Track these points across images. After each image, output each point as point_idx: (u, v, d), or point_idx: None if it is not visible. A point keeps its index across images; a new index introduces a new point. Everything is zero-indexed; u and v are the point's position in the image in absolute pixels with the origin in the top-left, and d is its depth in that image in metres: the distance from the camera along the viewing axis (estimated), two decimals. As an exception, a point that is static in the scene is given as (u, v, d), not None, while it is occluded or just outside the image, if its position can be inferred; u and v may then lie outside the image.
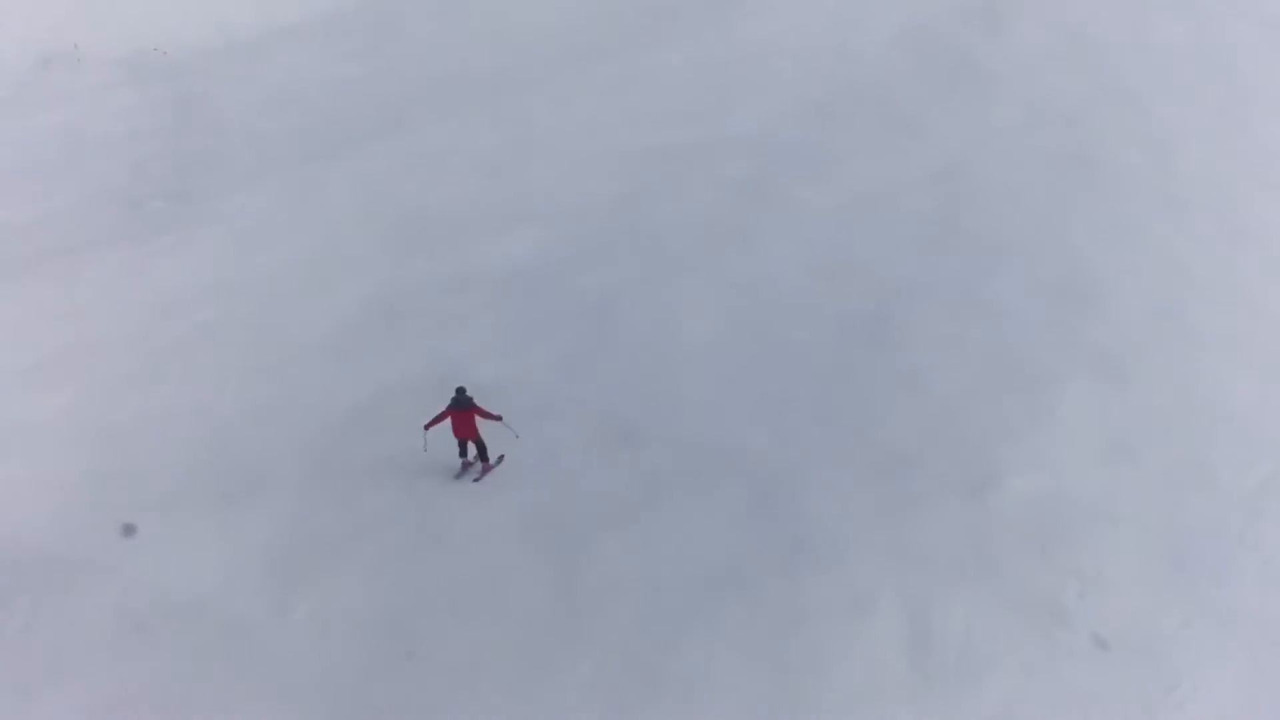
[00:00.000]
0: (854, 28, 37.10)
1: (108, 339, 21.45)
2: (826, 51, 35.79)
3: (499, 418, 17.66)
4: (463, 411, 17.39)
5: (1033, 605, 16.08)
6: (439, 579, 16.43)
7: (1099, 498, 18.01)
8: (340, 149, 29.29)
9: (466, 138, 30.06)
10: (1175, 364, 20.93)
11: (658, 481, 18.31)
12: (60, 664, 15.12)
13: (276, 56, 35.36)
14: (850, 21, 37.61)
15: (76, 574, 16.32)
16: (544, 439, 19.02)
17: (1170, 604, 16.14)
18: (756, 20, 38.36)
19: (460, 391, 17.51)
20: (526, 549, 17.11)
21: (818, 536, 17.25)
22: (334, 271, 23.98)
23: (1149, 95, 31.50)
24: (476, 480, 18.07)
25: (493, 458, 18.20)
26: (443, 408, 17.61)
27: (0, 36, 35.64)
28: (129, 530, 16.96)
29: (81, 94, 32.69)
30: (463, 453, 18.05)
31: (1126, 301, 22.91)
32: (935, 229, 25.89)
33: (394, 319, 22.50)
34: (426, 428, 17.49)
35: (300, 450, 18.60)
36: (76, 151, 30.02)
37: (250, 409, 19.47)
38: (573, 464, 18.64)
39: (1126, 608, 16.08)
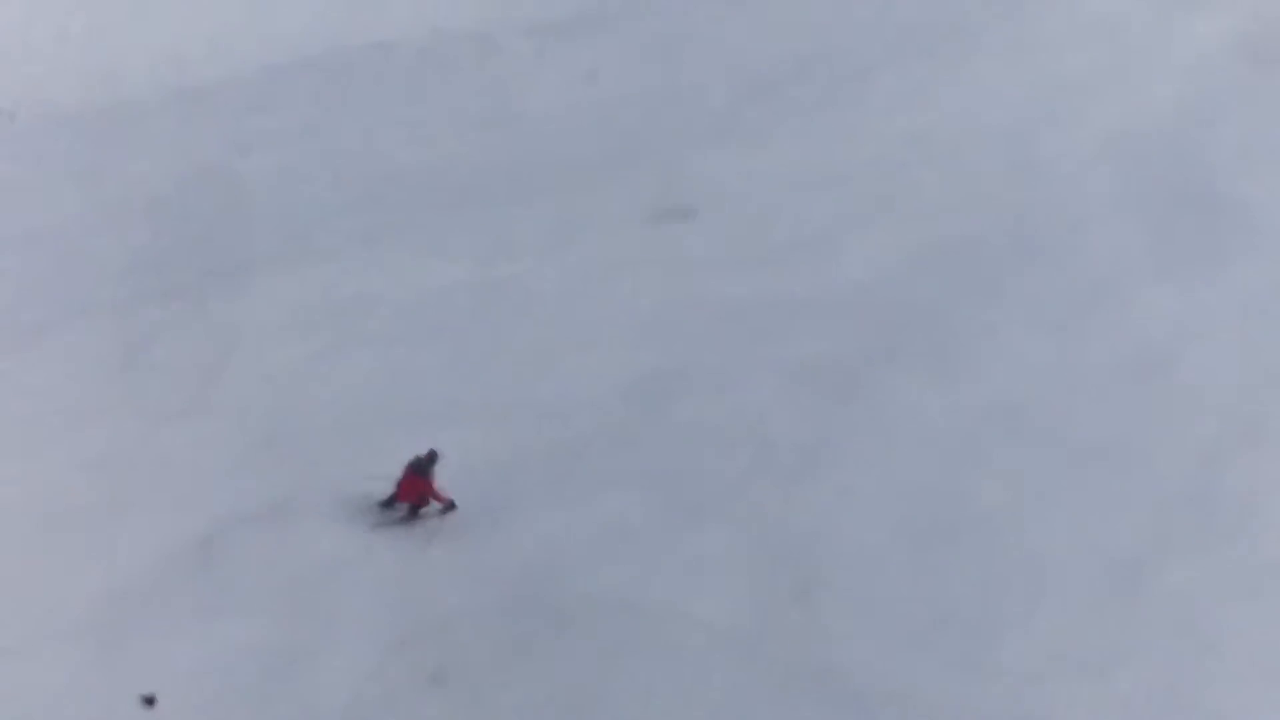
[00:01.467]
0: (1044, 127, 34.71)
1: None
2: (997, 162, 33.39)
3: (450, 505, 22.07)
4: (416, 478, 21.73)
5: None
6: None
7: None
8: (178, 287, 27.62)
9: (397, 276, 28.18)
10: None
11: None
12: None
13: (152, 134, 34.37)
14: (1041, 117, 35.15)
15: None
16: None
17: None
18: (903, 104, 36.31)
19: (428, 457, 21.92)
20: None
21: None
22: (121, 497, 21.86)
23: None
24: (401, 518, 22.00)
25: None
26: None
27: None
28: None
29: None
30: (389, 504, 22.19)
31: None
32: (1125, 479, 22.76)
33: (202, 573, 20.29)
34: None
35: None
36: None
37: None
38: None
39: None
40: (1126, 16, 38.75)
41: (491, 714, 19.03)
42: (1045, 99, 35.82)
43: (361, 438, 24.23)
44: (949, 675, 19.22)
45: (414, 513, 22.14)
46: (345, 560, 21.76)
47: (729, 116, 36.25)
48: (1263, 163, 32.06)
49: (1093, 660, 19.38)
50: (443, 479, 22.37)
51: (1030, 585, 20.71)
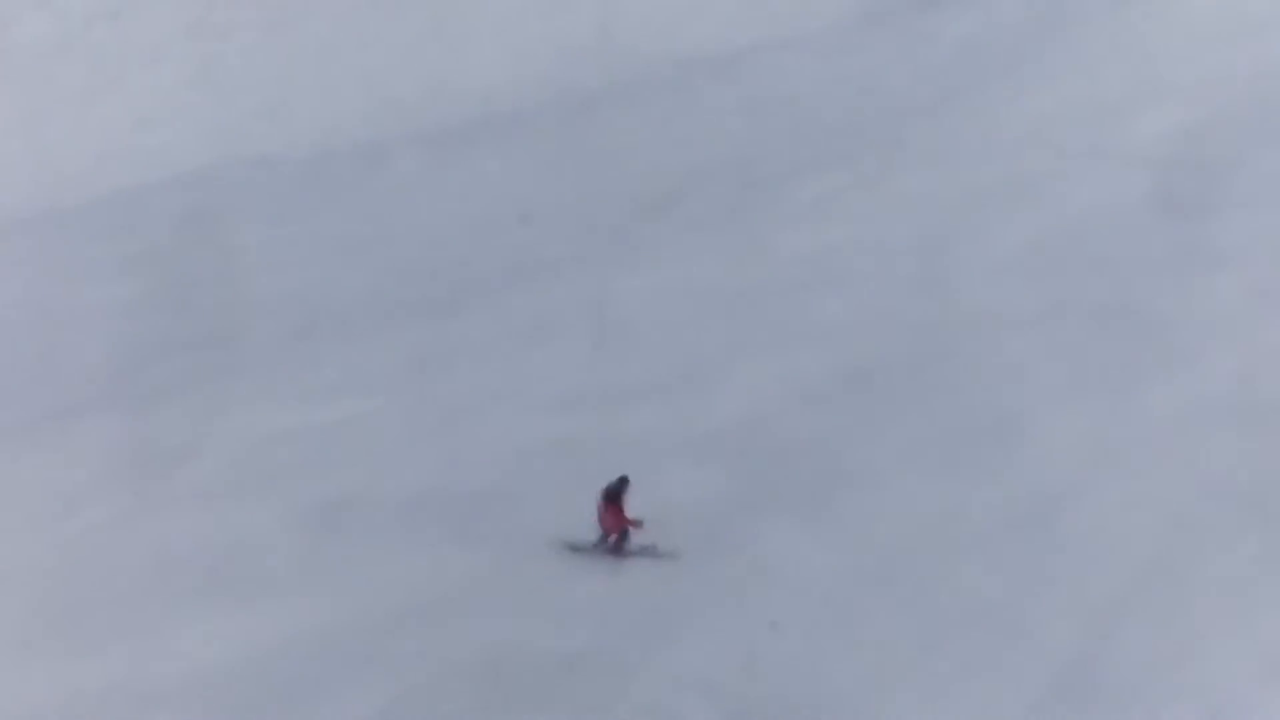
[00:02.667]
0: (958, 240, 33.21)
1: None
2: (905, 280, 31.85)
3: (639, 525, 22.21)
4: (612, 506, 22.17)
5: None
6: None
7: None
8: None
9: (226, 421, 26.65)
10: None
11: None
12: None
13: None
14: (955, 230, 33.68)
15: None
16: None
17: None
18: (810, 218, 34.82)
19: (620, 483, 22.27)
20: None
21: None
22: None
23: None
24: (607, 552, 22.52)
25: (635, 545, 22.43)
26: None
27: None
28: None
29: None
30: (600, 543, 22.56)
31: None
32: (1006, 647, 20.71)
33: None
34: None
35: None
36: None
37: None
38: None
39: None
40: (1055, 121, 37.43)
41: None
42: (962, 210, 34.29)
43: (171, 608, 22.36)
44: None
45: (621, 543, 22.63)
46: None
47: (622, 233, 34.66)
48: (1187, 274, 30.36)
49: None
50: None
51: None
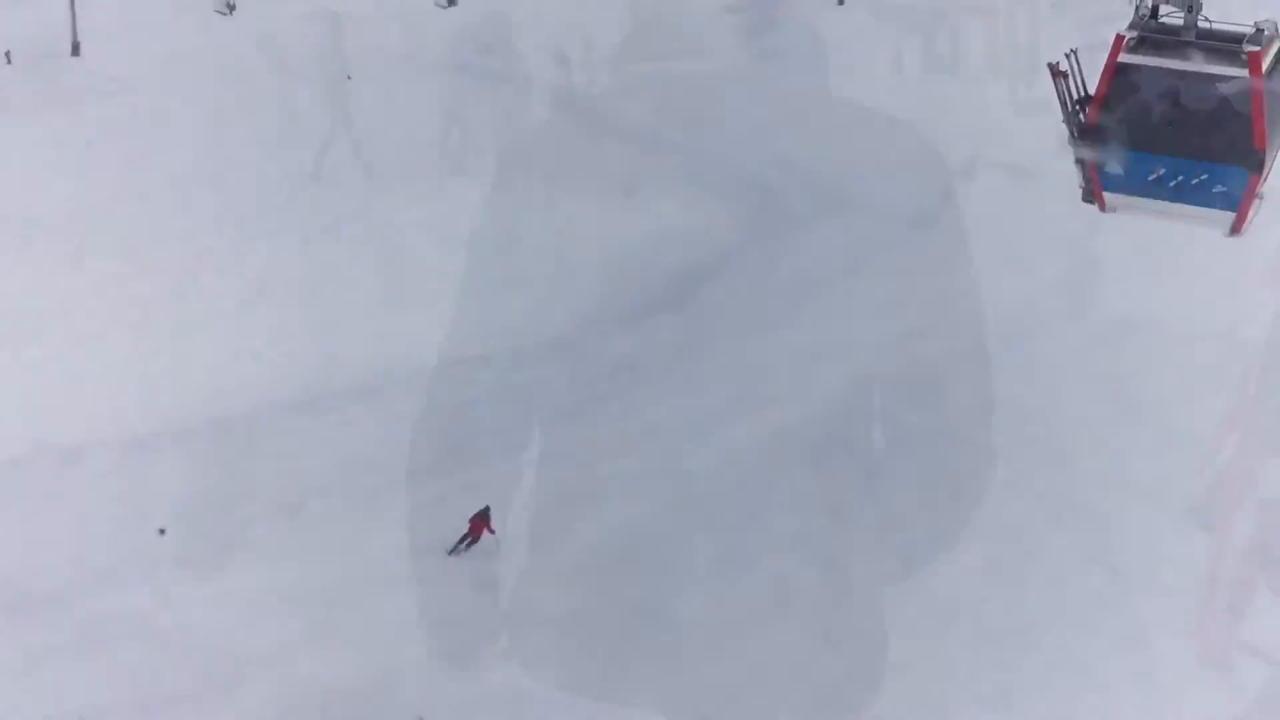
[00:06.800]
0: (527, 544, 34.85)
1: None
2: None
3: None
4: (480, 520, 32.72)
5: None
6: None
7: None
8: None
9: None
10: None
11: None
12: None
13: None
14: (536, 532, 35.39)
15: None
16: None
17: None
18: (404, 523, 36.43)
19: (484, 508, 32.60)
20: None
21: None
22: None
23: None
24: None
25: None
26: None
27: None
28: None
29: None
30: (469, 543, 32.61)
31: None
32: None
33: None
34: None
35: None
36: None
37: None
38: None
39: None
40: (661, 431, 39.80)
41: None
42: (538, 512, 36.23)
43: None
44: None
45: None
46: None
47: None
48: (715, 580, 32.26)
49: None
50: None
51: None
